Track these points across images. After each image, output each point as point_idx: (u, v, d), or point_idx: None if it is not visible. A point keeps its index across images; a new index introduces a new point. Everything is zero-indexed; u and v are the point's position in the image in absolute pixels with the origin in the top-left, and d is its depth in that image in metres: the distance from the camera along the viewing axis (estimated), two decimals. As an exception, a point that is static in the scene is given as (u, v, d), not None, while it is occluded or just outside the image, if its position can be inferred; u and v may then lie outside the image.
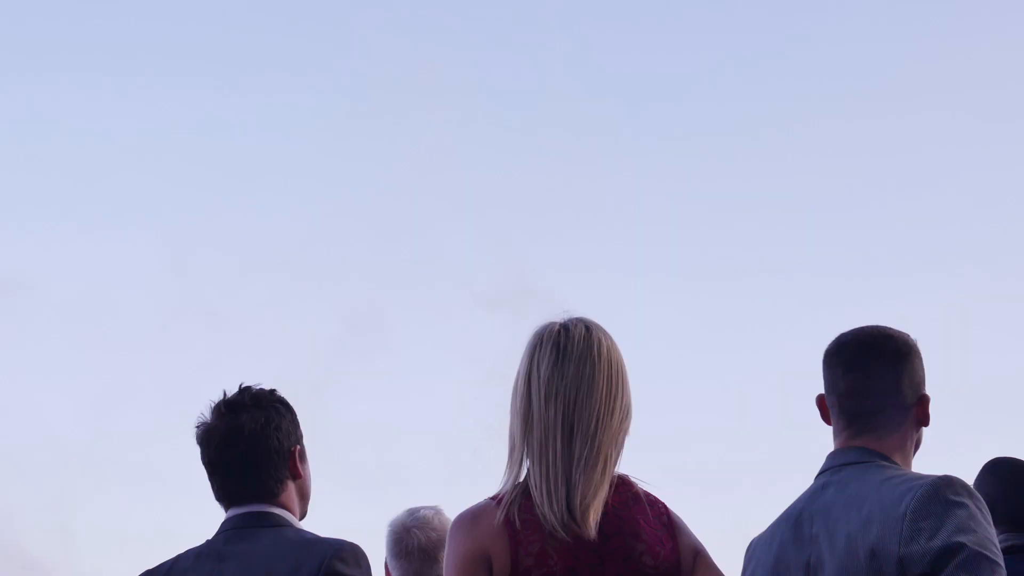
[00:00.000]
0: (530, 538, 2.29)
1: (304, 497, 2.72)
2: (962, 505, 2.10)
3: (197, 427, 2.67)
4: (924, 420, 2.41)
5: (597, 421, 2.32)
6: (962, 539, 2.04)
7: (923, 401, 2.41)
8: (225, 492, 2.65)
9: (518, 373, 2.42)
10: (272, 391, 2.71)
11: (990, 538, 2.08)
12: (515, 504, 2.33)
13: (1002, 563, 2.05)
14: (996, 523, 3.15)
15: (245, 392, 2.67)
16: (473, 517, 2.35)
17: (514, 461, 2.39)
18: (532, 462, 2.34)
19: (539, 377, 2.36)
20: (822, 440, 2.48)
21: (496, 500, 2.37)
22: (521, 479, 2.38)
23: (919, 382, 2.42)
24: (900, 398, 2.39)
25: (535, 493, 2.31)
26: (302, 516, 2.72)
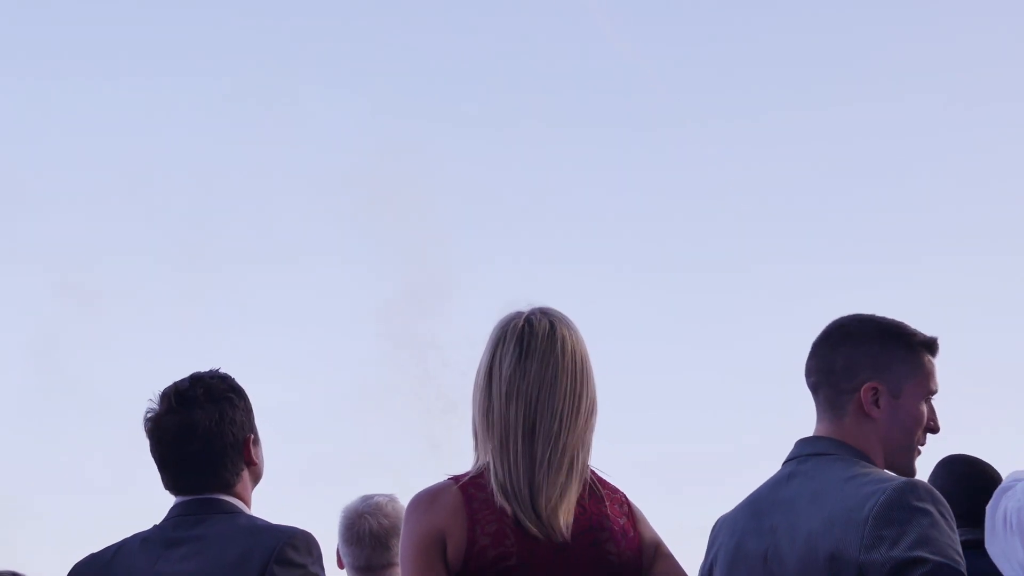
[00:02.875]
0: (488, 517, 2.23)
1: (256, 480, 2.67)
2: (925, 512, 2.06)
3: (146, 418, 2.58)
4: (867, 410, 2.32)
5: (560, 422, 2.27)
6: (924, 552, 2.00)
7: (862, 389, 2.32)
8: (177, 485, 2.59)
9: (479, 366, 2.36)
10: (224, 378, 2.63)
11: (952, 545, 2.05)
12: (475, 483, 2.28)
13: (964, 570, 2.01)
14: (952, 519, 3.16)
15: (197, 383, 2.58)
16: (431, 496, 2.29)
17: (478, 451, 2.35)
18: (494, 461, 2.29)
19: (500, 375, 2.30)
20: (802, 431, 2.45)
21: (456, 479, 2.31)
22: (484, 462, 2.32)
23: (863, 368, 2.34)
24: (833, 379, 2.36)
25: (498, 493, 2.26)
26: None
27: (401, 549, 2.29)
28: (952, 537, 2.07)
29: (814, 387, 2.40)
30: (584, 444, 2.32)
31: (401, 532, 2.33)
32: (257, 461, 2.64)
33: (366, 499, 3.54)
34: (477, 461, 2.34)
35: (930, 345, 2.39)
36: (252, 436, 2.63)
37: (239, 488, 2.59)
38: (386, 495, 3.55)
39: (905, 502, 2.07)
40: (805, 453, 2.34)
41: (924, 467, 3.37)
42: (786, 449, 2.42)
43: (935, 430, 2.39)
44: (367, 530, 3.46)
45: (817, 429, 2.38)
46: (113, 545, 2.57)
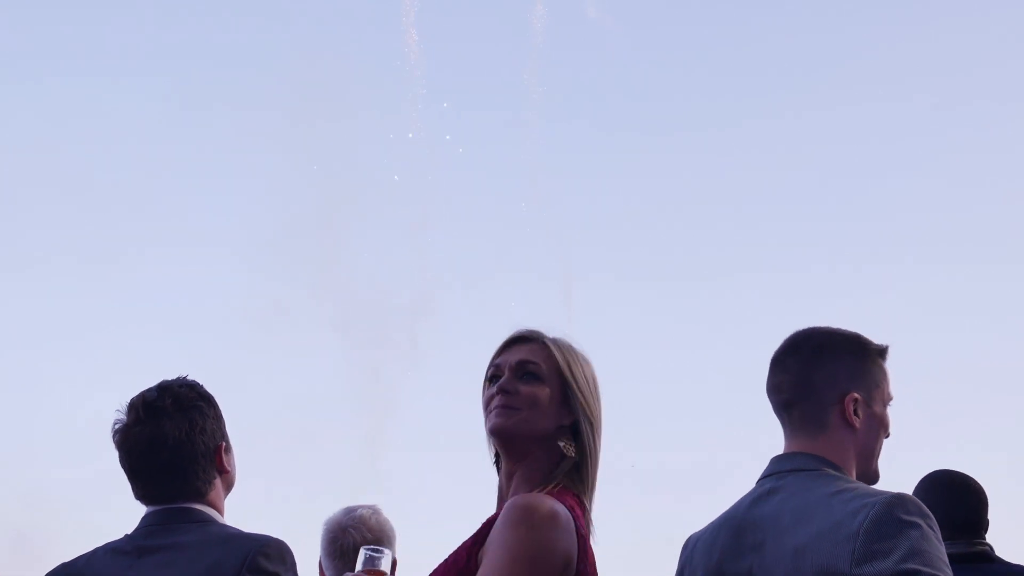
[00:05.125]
0: (591, 554, 2.20)
1: (229, 488, 2.66)
2: (915, 525, 2.08)
3: (115, 429, 2.56)
4: (850, 421, 2.33)
5: None
6: (915, 565, 2.02)
7: (845, 400, 2.34)
8: (148, 495, 2.57)
9: (599, 406, 2.37)
10: (193, 386, 2.61)
11: (942, 558, 2.07)
12: (578, 515, 2.21)
13: None
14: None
15: (165, 392, 2.56)
16: (566, 519, 2.15)
17: (587, 475, 2.33)
18: (593, 485, 2.31)
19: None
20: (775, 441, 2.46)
21: (568, 505, 2.20)
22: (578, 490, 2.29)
23: (842, 379, 2.35)
24: (814, 393, 2.35)
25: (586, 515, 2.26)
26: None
27: (530, 556, 2.08)
28: (940, 550, 2.09)
29: (787, 403, 2.38)
30: None
31: (528, 538, 2.10)
32: (229, 469, 2.63)
33: (349, 511, 3.51)
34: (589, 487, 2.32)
35: (885, 353, 2.44)
36: (224, 444, 2.62)
37: (212, 496, 2.57)
38: (369, 507, 3.52)
39: (895, 516, 2.08)
40: (784, 469, 2.33)
41: (908, 482, 3.37)
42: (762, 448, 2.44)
43: (889, 435, 2.42)
44: (351, 544, 3.43)
45: (791, 445, 2.37)
46: (84, 554, 2.56)
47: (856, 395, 2.35)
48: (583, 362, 2.37)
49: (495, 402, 2.30)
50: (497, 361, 2.37)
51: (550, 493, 2.20)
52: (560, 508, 2.13)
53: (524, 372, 2.32)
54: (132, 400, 2.57)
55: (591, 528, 2.25)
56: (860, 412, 2.35)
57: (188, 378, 2.63)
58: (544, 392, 2.30)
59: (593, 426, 2.32)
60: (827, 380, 2.35)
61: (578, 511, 2.20)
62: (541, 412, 2.29)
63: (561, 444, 2.28)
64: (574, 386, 2.31)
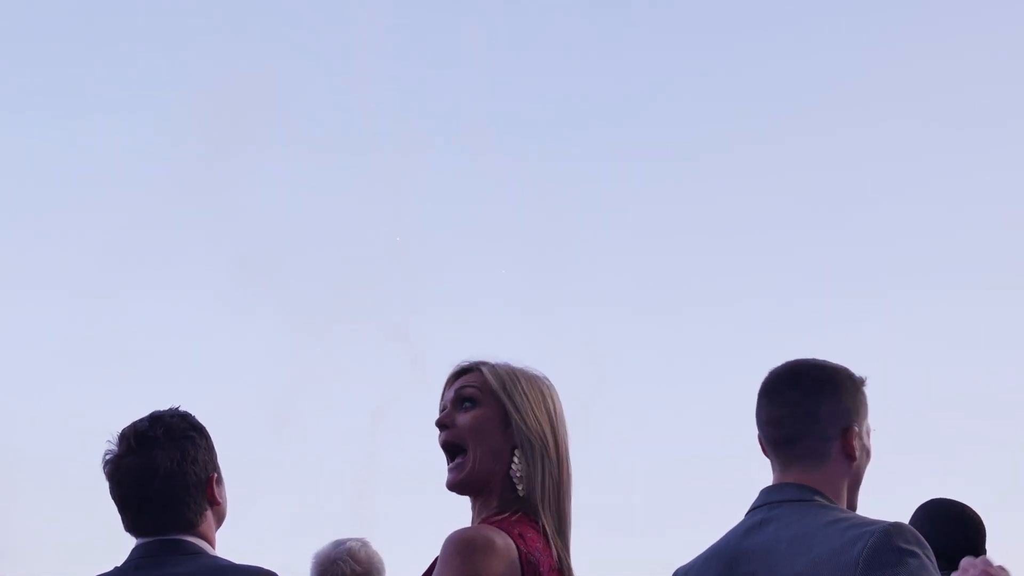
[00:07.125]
0: None
1: (220, 520, 2.63)
2: (913, 554, 2.11)
3: (106, 459, 2.54)
4: (851, 453, 2.36)
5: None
6: None
7: (847, 433, 2.36)
8: (138, 527, 2.54)
9: (561, 421, 2.33)
10: (185, 416, 2.59)
11: None
12: (530, 543, 2.16)
13: None
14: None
15: (156, 423, 2.54)
16: (504, 547, 2.08)
17: (544, 494, 2.27)
18: (548, 512, 2.23)
19: (567, 435, 2.33)
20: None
21: (516, 533, 2.15)
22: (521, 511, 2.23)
23: (843, 413, 2.37)
24: (817, 426, 2.36)
25: (553, 544, 2.20)
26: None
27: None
28: None
29: (787, 438, 2.38)
30: None
31: (461, 570, 2.03)
32: (221, 500, 2.60)
33: (338, 544, 3.53)
34: (526, 505, 2.25)
35: (864, 383, 2.48)
36: (215, 475, 2.59)
37: (203, 528, 2.54)
38: (358, 539, 3.55)
39: (894, 545, 2.11)
40: (775, 500, 2.34)
41: (901, 512, 3.36)
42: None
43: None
44: (340, 576, 3.44)
45: (784, 477, 2.38)
46: None
47: (855, 428, 2.38)
48: (525, 381, 2.32)
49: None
50: (442, 402, 2.35)
51: (504, 522, 2.16)
52: (498, 536, 2.08)
53: (462, 401, 2.31)
54: (123, 431, 2.54)
55: (563, 559, 2.21)
56: (856, 444, 2.38)
57: (180, 408, 2.61)
58: (482, 413, 2.28)
59: (534, 446, 2.26)
60: (830, 414, 2.37)
61: (535, 540, 2.16)
62: (484, 435, 2.27)
63: (512, 467, 2.25)
64: (508, 404, 2.28)
